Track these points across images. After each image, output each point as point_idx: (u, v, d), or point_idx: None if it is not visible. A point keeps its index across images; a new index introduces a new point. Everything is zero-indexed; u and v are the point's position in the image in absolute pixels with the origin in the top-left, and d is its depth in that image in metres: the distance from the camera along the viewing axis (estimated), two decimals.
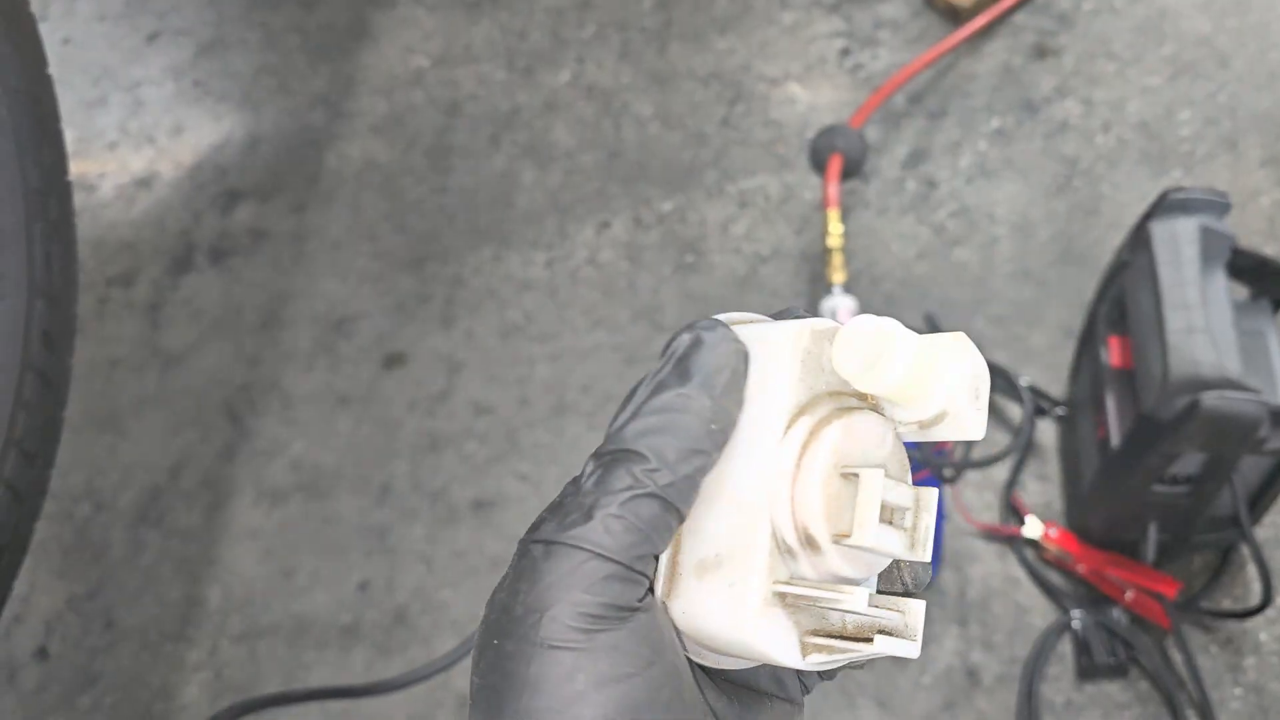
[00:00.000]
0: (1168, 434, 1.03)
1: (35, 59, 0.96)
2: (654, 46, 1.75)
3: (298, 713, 1.29)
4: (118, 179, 1.79)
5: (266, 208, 1.71)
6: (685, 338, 0.38)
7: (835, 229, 1.44)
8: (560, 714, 0.34)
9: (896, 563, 0.41)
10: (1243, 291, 1.15)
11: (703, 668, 0.40)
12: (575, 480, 0.38)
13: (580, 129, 1.69)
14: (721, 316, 0.40)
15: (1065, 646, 1.22)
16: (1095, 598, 1.22)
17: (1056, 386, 1.35)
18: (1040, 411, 1.34)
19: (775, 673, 0.42)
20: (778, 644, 0.37)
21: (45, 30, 1.07)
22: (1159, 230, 1.11)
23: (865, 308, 1.42)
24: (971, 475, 1.33)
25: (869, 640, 0.37)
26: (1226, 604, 1.21)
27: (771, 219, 1.55)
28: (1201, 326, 1.04)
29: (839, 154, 1.51)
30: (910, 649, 0.38)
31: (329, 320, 1.59)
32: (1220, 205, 1.12)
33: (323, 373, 1.55)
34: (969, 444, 1.34)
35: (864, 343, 0.37)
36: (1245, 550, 1.22)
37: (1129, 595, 1.19)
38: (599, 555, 0.35)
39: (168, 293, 1.66)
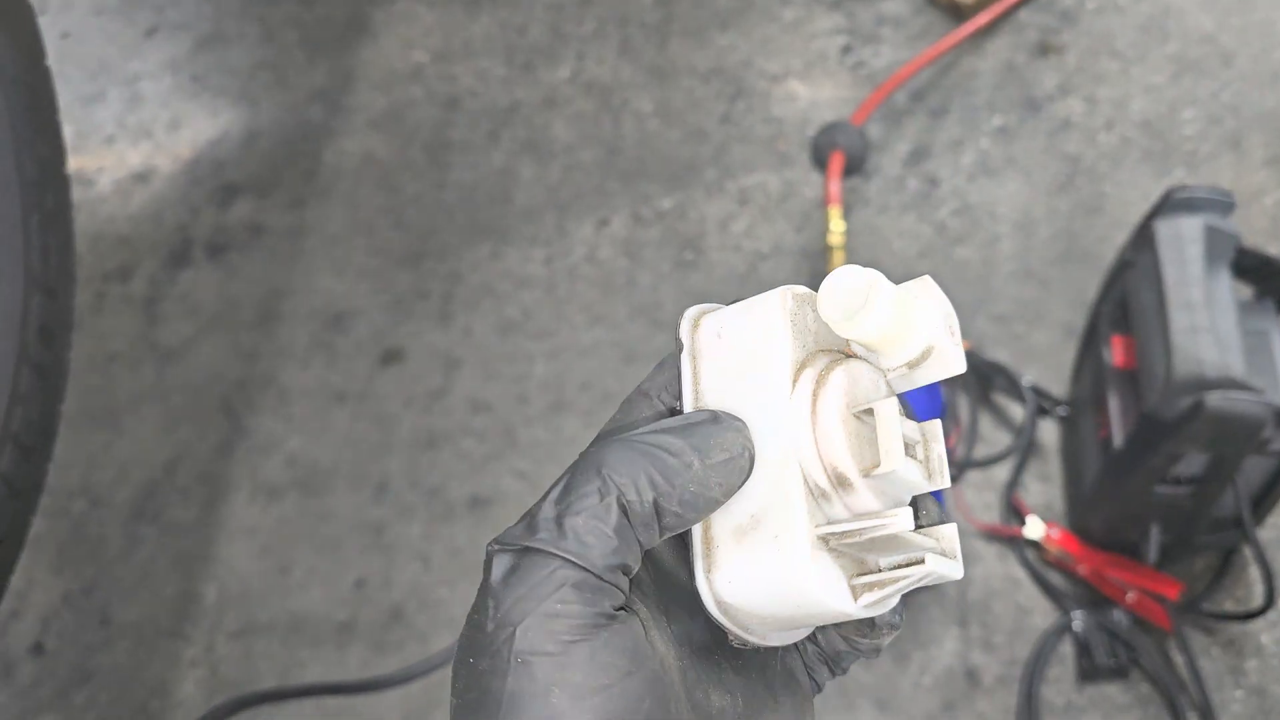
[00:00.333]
0: (1171, 434, 1.02)
1: (33, 51, 0.95)
2: (654, 42, 1.74)
3: (293, 709, 1.29)
4: (115, 173, 1.78)
5: (264, 203, 1.70)
6: (704, 415, 0.38)
7: (837, 226, 1.43)
8: None
9: (914, 503, 0.42)
10: (1247, 291, 1.15)
11: (705, 669, 0.39)
12: (548, 488, 0.38)
13: (580, 125, 1.68)
14: (699, 306, 0.42)
15: (1066, 648, 1.21)
16: (1096, 599, 1.22)
17: (1058, 386, 1.34)
18: (1042, 411, 1.34)
19: (787, 666, 0.42)
20: (832, 589, 0.37)
21: (43, 24, 1.06)
22: (1163, 229, 1.10)
23: None
24: (972, 475, 1.32)
25: (919, 562, 0.38)
26: (1228, 606, 1.21)
27: (772, 216, 1.55)
28: (1206, 326, 1.04)
29: (840, 151, 1.50)
30: (955, 568, 0.39)
31: (326, 316, 1.58)
32: (1225, 204, 1.11)
33: (320, 369, 1.54)
34: (970, 444, 1.33)
35: (847, 292, 0.39)
36: (1248, 552, 1.21)
37: (1130, 597, 1.19)
38: (570, 562, 0.35)
39: (165, 288, 1.65)
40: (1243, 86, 1.52)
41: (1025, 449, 1.31)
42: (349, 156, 1.73)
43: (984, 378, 1.36)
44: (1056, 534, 1.23)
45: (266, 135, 1.77)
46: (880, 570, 0.39)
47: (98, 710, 1.35)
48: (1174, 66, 1.56)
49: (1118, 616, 1.19)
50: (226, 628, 1.37)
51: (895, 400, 0.39)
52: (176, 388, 1.56)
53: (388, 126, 1.74)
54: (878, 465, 0.38)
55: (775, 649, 0.42)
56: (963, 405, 1.35)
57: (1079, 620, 1.20)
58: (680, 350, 0.42)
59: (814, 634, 0.43)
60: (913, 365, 0.40)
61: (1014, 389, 1.34)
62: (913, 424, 0.39)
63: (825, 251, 1.45)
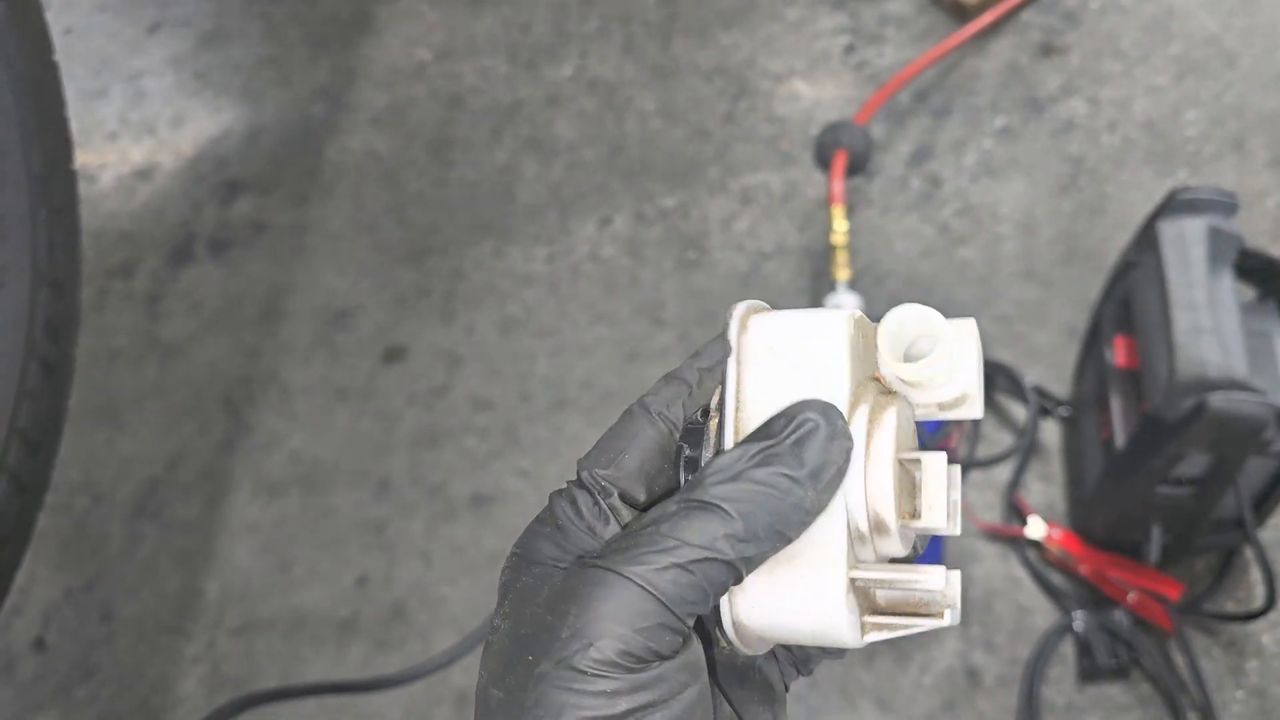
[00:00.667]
0: (1173, 435, 1.02)
1: (41, 45, 0.95)
2: (657, 41, 1.74)
3: (297, 708, 1.29)
4: (118, 170, 1.78)
5: (267, 200, 1.70)
6: (812, 417, 0.38)
7: (840, 226, 1.43)
8: None
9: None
10: (1250, 292, 1.15)
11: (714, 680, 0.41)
12: (655, 514, 0.37)
13: (583, 123, 1.68)
14: (746, 302, 0.42)
15: (1067, 648, 1.21)
16: (1097, 599, 1.22)
17: (1061, 386, 1.35)
18: (1044, 411, 1.34)
19: (765, 675, 0.43)
20: (851, 628, 0.38)
21: (47, 19, 1.06)
22: (1167, 230, 1.11)
23: (869, 306, 1.42)
24: (974, 475, 1.32)
25: (936, 615, 0.39)
26: (1229, 607, 1.21)
27: (774, 216, 1.55)
28: (1209, 327, 1.04)
29: (843, 151, 1.50)
30: (956, 617, 0.39)
31: (328, 313, 1.58)
32: (1228, 205, 1.11)
33: (322, 366, 1.54)
34: (972, 443, 1.33)
35: (911, 333, 0.39)
36: (1249, 553, 1.21)
37: (1131, 597, 1.19)
38: (657, 600, 0.36)
39: (167, 284, 1.65)
40: (1246, 88, 1.52)
41: (1027, 449, 1.31)
42: (351, 154, 1.73)
43: (986, 378, 1.36)
44: (1058, 534, 1.23)
45: (269, 132, 1.77)
46: (885, 601, 0.40)
47: (99, 706, 1.35)
48: (1177, 68, 1.56)
49: (1119, 617, 1.19)
50: (228, 624, 1.37)
51: (944, 456, 0.39)
52: (178, 384, 1.56)
53: (390, 124, 1.74)
54: (915, 514, 0.39)
55: (753, 657, 0.43)
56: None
57: (1080, 620, 1.20)
58: (727, 353, 0.41)
59: None
60: (944, 407, 0.40)
61: (1016, 389, 1.34)
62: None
63: (828, 251, 1.45)
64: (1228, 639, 1.19)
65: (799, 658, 0.44)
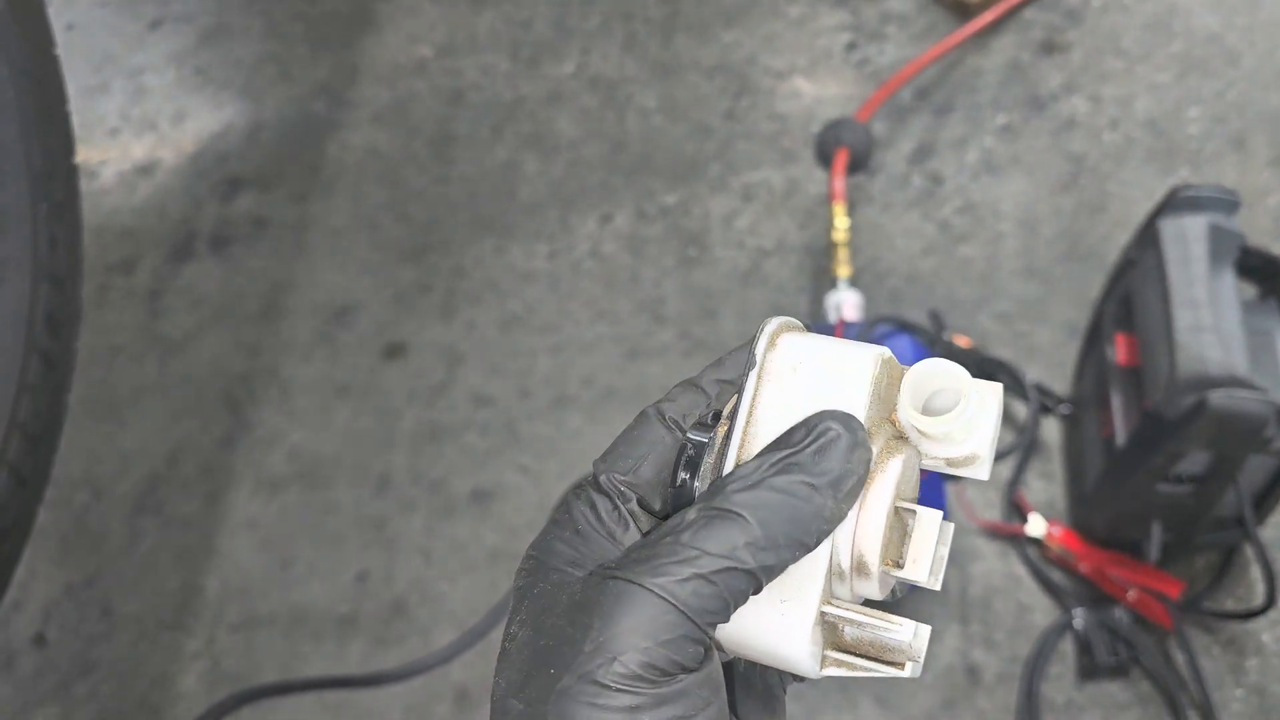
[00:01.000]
0: (1174, 432, 1.02)
1: (42, 40, 0.95)
2: (659, 38, 1.74)
3: (296, 702, 1.29)
4: (119, 166, 1.78)
5: (268, 196, 1.70)
6: (835, 427, 0.38)
7: (841, 223, 1.43)
8: None
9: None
10: (1251, 290, 1.15)
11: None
12: (674, 522, 0.37)
13: (584, 120, 1.68)
14: (778, 319, 0.42)
15: (1067, 646, 1.21)
16: (1097, 597, 1.22)
17: (1061, 384, 1.34)
18: (1045, 409, 1.34)
19: (767, 683, 0.44)
20: (811, 659, 0.39)
21: (49, 15, 1.06)
22: (1168, 227, 1.10)
23: (870, 303, 1.42)
24: None
25: (898, 665, 0.39)
26: (1229, 605, 1.21)
27: (775, 213, 1.55)
28: (1209, 325, 1.04)
29: (845, 148, 1.50)
30: (916, 670, 0.40)
31: (329, 310, 1.58)
32: (1229, 203, 1.11)
33: (322, 362, 1.54)
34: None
35: (936, 387, 0.40)
36: (1249, 551, 1.21)
37: (1131, 595, 1.19)
38: (680, 612, 0.35)
39: (168, 281, 1.65)
40: (1248, 86, 1.52)
41: (1028, 447, 1.31)
42: (352, 150, 1.73)
43: (987, 376, 1.36)
44: (1058, 532, 1.23)
45: (270, 129, 1.77)
46: (851, 639, 0.40)
47: (99, 702, 1.35)
48: (1179, 66, 1.55)
49: (1119, 614, 1.19)
50: (228, 620, 1.37)
51: (939, 515, 0.39)
52: (179, 381, 1.56)
53: (391, 121, 1.74)
54: (899, 563, 0.39)
55: (755, 665, 0.43)
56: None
57: (1080, 618, 1.20)
58: (751, 368, 0.41)
59: None
60: (952, 464, 0.41)
61: (1017, 387, 1.34)
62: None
63: (829, 248, 1.45)
64: (1228, 637, 1.19)
65: None
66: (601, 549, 0.39)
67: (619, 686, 0.34)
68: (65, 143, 0.95)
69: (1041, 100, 1.56)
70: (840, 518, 0.38)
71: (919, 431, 0.40)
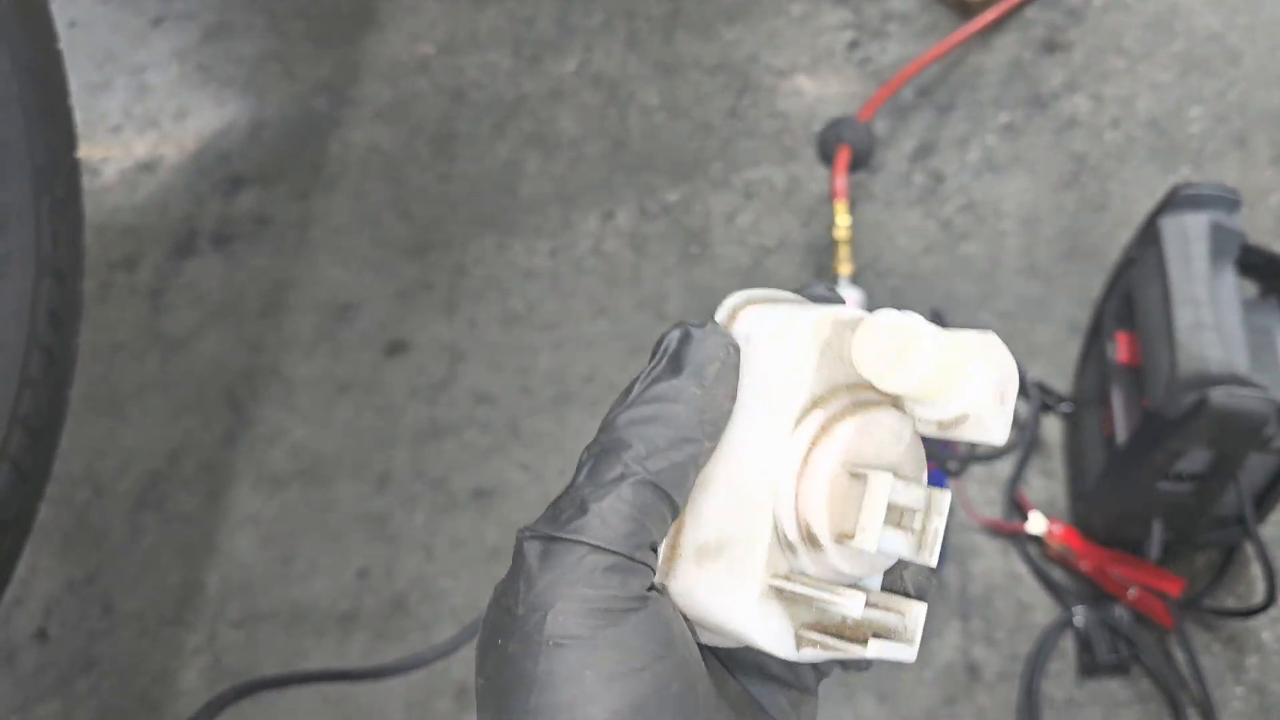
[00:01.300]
0: (1174, 430, 1.02)
1: (45, 35, 0.96)
2: (661, 36, 1.74)
3: (296, 697, 1.29)
4: (121, 163, 1.78)
5: (270, 193, 1.71)
6: (675, 334, 0.38)
7: (842, 221, 1.43)
8: (569, 711, 0.34)
9: (901, 560, 0.40)
10: (1252, 289, 1.15)
11: (716, 655, 0.40)
12: (574, 476, 0.37)
13: (586, 118, 1.68)
14: (743, 293, 0.40)
15: (1067, 643, 1.21)
16: (1098, 595, 1.22)
17: (1062, 382, 1.35)
18: (1046, 407, 1.34)
19: (785, 661, 0.42)
20: (771, 636, 0.37)
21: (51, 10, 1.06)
22: (1169, 225, 1.11)
23: (871, 301, 1.42)
24: (976, 470, 1.32)
25: (863, 643, 0.36)
26: (1230, 603, 1.21)
27: (777, 210, 1.55)
28: (1210, 323, 1.04)
29: (846, 146, 1.50)
30: (906, 653, 0.37)
31: (331, 307, 1.58)
32: (1230, 201, 1.11)
33: (324, 359, 1.54)
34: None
35: (883, 341, 0.36)
36: (1249, 549, 1.21)
37: (1132, 593, 1.19)
38: (598, 548, 0.35)
39: (170, 278, 1.65)
40: (1249, 85, 1.52)
41: (1029, 445, 1.31)
42: (355, 148, 1.73)
43: None
44: (1059, 530, 1.23)
45: (272, 126, 1.78)
46: (843, 622, 0.38)
47: (100, 698, 1.35)
48: (1181, 65, 1.55)
49: (1119, 612, 1.19)
50: (229, 617, 1.38)
51: (889, 476, 0.36)
52: (181, 377, 1.56)
53: (394, 118, 1.74)
54: (847, 534, 0.36)
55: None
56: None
57: (1080, 616, 1.20)
58: None
59: None
60: (943, 426, 0.38)
61: (1018, 385, 1.34)
62: (919, 490, 0.37)
63: (830, 246, 1.45)
64: (1228, 635, 1.19)
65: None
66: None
67: (559, 640, 0.34)
68: (67, 138, 0.95)
69: (1043, 99, 1.56)
70: (716, 406, 0.37)
71: (896, 394, 0.37)
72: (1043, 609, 1.24)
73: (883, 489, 0.35)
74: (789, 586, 0.36)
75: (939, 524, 0.37)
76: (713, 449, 0.37)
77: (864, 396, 0.38)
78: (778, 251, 1.51)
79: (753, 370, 0.38)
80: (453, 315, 1.55)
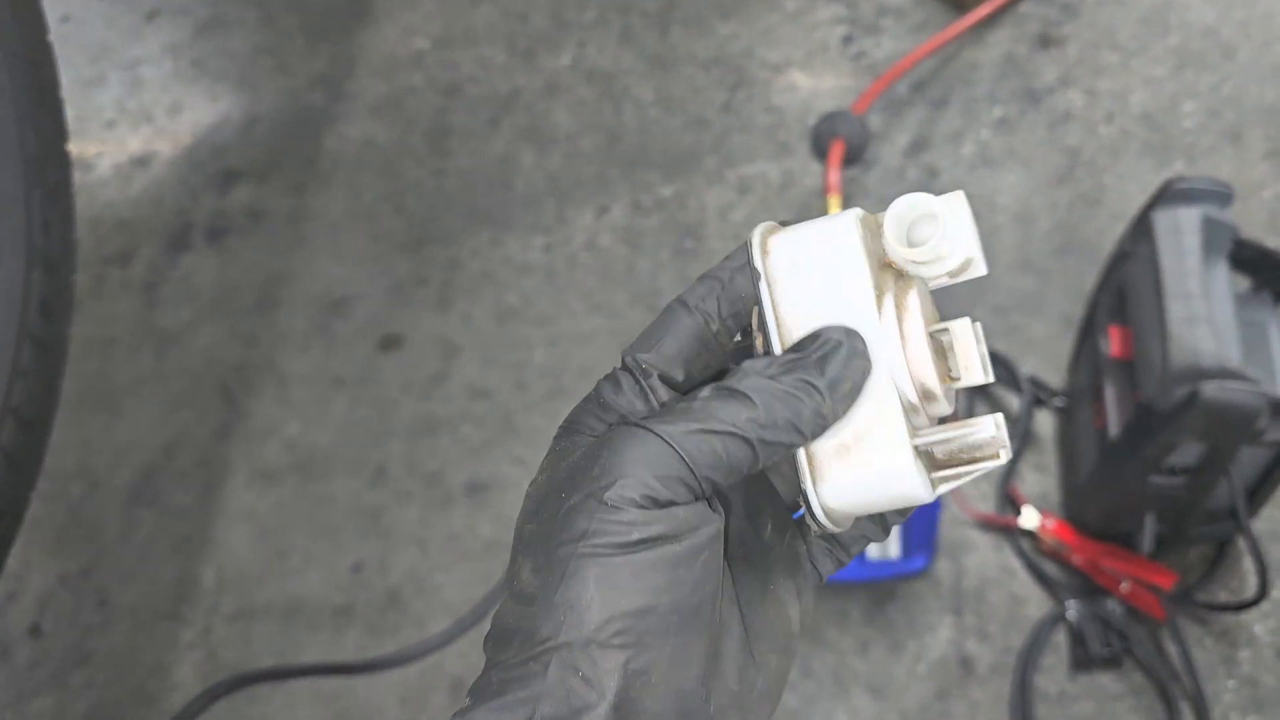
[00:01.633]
0: (1166, 424, 1.03)
1: (35, 25, 0.95)
2: (655, 31, 1.74)
3: (291, 690, 1.29)
4: (115, 158, 1.78)
5: (264, 188, 1.70)
6: (835, 338, 0.42)
7: None
8: (610, 558, 0.39)
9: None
10: (1244, 283, 1.15)
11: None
12: (690, 397, 0.42)
13: (580, 113, 1.68)
14: (760, 227, 0.46)
15: (1060, 637, 1.21)
16: (1091, 589, 1.22)
17: (1056, 377, 1.35)
18: (1039, 402, 1.34)
19: (794, 550, 0.48)
20: (925, 487, 0.43)
21: (45, 6, 1.06)
22: (1161, 219, 1.11)
23: None
24: None
25: (993, 457, 0.44)
26: (1222, 597, 1.21)
27: (771, 205, 1.55)
28: (1202, 316, 1.04)
29: (840, 140, 1.50)
30: (1008, 453, 0.44)
31: (325, 301, 1.58)
32: (1223, 195, 1.11)
33: (319, 354, 1.54)
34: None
35: (908, 223, 0.44)
36: (1242, 543, 1.22)
37: (1124, 587, 1.19)
38: (679, 456, 0.40)
39: (164, 272, 1.65)
40: (1244, 80, 1.52)
41: (1022, 439, 1.31)
42: (349, 142, 1.73)
43: None
44: (1051, 524, 1.24)
45: (267, 120, 1.77)
46: (941, 455, 0.44)
47: (95, 692, 1.35)
48: (1175, 59, 1.56)
49: (1112, 606, 1.19)
50: (224, 611, 1.38)
51: (968, 320, 0.44)
52: (175, 372, 1.56)
53: (388, 113, 1.74)
54: (952, 376, 0.44)
55: (784, 534, 0.48)
56: (959, 395, 1.36)
57: (1073, 610, 1.20)
58: (757, 279, 0.44)
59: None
60: (953, 274, 0.45)
61: (1011, 379, 1.34)
62: (969, 326, 0.44)
63: None
64: (1220, 629, 1.19)
65: (844, 542, 0.48)
66: (621, 416, 0.44)
67: (615, 504, 0.39)
68: (59, 128, 0.95)
69: (1037, 94, 1.56)
70: (835, 417, 0.42)
71: (915, 263, 0.44)
72: (1035, 603, 1.24)
73: (968, 331, 0.43)
74: (929, 439, 0.43)
75: (984, 349, 0.44)
76: (797, 447, 0.43)
77: (897, 271, 0.45)
78: None
79: (815, 285, 0.43)
80: (447, 310, 1.55)
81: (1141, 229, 1.13)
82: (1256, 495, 1.13)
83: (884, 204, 0.46)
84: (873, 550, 1.22)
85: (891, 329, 0.43)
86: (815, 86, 1.64)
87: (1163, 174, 1.46)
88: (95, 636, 1.38)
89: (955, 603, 1.25)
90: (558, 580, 0.39)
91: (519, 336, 1.51)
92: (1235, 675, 1.17)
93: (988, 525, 1.28)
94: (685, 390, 0.45)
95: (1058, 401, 1.32)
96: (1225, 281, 1.08)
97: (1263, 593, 1.09)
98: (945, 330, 0.44)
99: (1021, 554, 1.26)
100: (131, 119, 1.82)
